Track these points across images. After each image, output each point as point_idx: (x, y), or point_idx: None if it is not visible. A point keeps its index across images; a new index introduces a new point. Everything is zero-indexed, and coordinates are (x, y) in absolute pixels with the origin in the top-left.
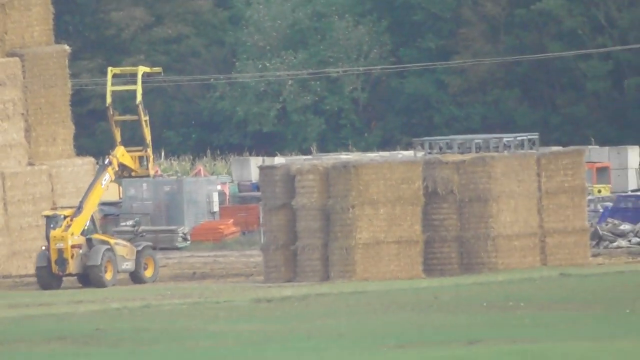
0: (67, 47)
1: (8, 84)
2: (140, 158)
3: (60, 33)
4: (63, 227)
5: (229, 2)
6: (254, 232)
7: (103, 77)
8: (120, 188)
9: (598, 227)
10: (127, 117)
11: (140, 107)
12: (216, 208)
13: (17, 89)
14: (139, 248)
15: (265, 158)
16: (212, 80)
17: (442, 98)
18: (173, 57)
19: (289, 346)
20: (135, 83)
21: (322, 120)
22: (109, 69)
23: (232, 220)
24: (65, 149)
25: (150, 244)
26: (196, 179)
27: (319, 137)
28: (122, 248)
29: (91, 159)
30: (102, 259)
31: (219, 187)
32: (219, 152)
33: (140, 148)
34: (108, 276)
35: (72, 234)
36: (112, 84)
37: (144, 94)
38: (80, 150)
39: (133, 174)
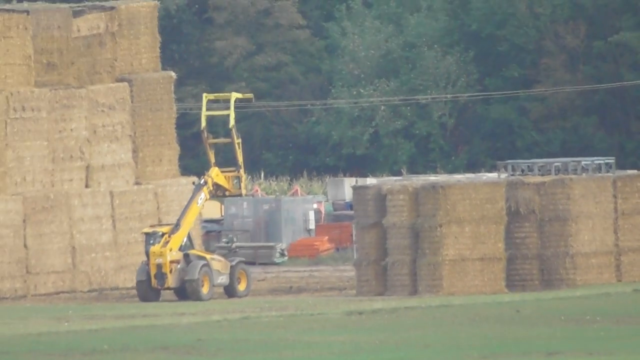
0: (173, 74)
1: (117, 107)
2: (234, 178)
3: (167, 60)
4: (162, 243)
5: (326, 32)
6: (348, 248)
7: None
8: (222, 206)
9: None
10: (221, 140)
11: (233, 131)
12: (312, 226)
13: (126, 112)
14: (233, 263)
15: (358, 179)
16: (309, 105)
17: (524, 124)
18: (272, 84)
19: (378, 356)
20: (229, 108)
21: (412, 144)
22: (204, 95)
23: (327, 237)
24: (171, 169)
25: (243, 259)
26: (293, 198)
27: (409, 160)
28: (218, 263)
29: (195, 179)
30: (199, 273)
31: (315, 206)
32: (315, 173)
33: (233, 169)
34: (205, 289)
35: (171, 250)
36: (208, 109)
37: (244, 119)
38: (185, 170)
39: (227, 193)
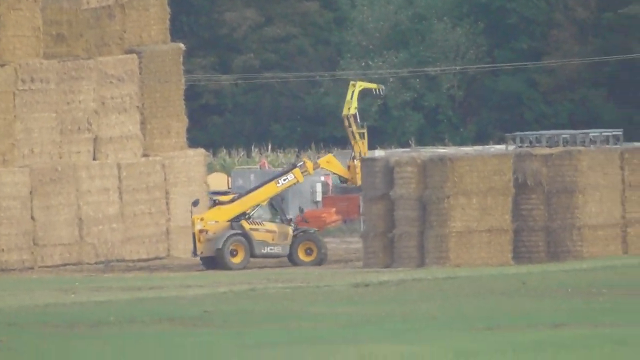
0: (182, 45)
1: (126, 79)
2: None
3: (176, 32)
4: (206, 212)
5: (335, 4)
6: (355, 220)
7: (215, 73)
8: (229, 178)
9: None
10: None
11: (351, 120)
12: (319, 198)
13: (134, 84)
14: (296, 233)
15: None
16: (317, 77)
17: (533, 96)
18: (281, 55)
19: (385, 327)
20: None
21: (420, 116)
22: (351, 83)
23: (334, 209)
24: (179, 141)
25: (313, 229)
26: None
27: (418, 132)
28: (265, 234)
29: (202, 151)
30: (225, 243)
31: (322, 178)
32: (322, 145)
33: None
34: (235, 259)
35: (202, 219)
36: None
37: (253, 90)
38: (193, 142)
39: (347, 182)
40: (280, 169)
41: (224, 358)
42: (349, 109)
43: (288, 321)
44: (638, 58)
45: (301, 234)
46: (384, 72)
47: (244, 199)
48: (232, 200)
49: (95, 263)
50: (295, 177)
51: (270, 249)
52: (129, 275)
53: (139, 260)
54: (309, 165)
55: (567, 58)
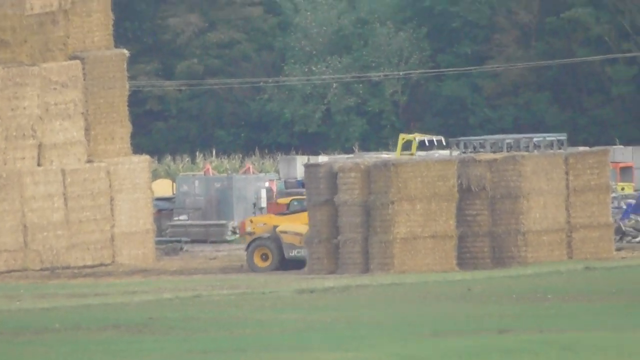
0: (125, 51)
1: (70, 85)
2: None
3: (120, 38)
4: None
5: (279, 9)
6: None
7: (159, 79)
8: (174, 184)
9: (621, 223)
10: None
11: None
12: (264, 204)
13: (78, 90)
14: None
15: (310, 157)
16: (261, 83)
17: (477, 100)
18: (225, 61)
19: (330, 334)
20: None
21: (364, 121)
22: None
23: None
24: (123, 147)
25: (266, 234)
26: (245, 176)
27: (361, 137)
28: (293, 237)
29: (147, 157)
30: (248, 247)
31: (266, 184)
32: (267, 151)
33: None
34: (260, 263)
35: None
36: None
37: (197, 96)
38: (137, 148)
39: None
40: (224, 174)
41: None
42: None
43: (233, 328)
44: (581, 62)
45: (257, 239)
46: (327, 77)
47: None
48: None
49: (40, 270)
50: None
51: (297, 252)
52: (74, 282)
53: (84, 267)
54: None
55: (510, 62)
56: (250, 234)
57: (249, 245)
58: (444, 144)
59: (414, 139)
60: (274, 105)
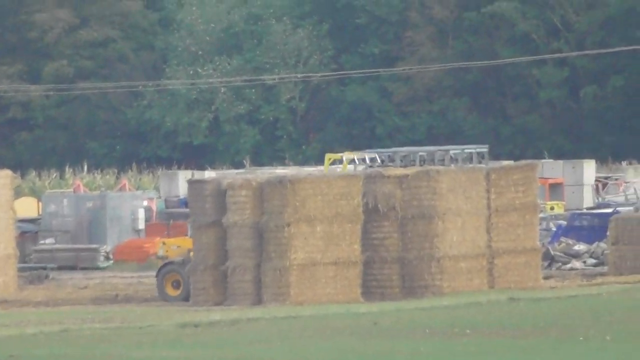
0: None
1: None
2: None
3: None
4: None
5: (160, 3)
6: None
7: (24, 83)
8: (40, 203)
9: (550, 247)
10: None
11: None
12: (142, 225)
13: None
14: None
15: (195, 172)
16: (140, 87)
17: (386, 107)
18: (98, 62)
19: None
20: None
21: (256, 131)
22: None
23: (158, 239)
24: None
25: (178, 259)
26: (120, 194)
27: (253, 150)
28: None
29: (9, 172)
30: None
31: (145, 203)
32: (145, 165)
33: None
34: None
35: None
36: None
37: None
38: None
39: None
40: (97, 192)
41: None
42: None
43: None
44: (504, 63)
45: (168, 264)
46: (215, 81)
47: None
48: None
49: None
50: None
51: None
52: None
53: None
54: None
55: (424, 64)
56: (162, 258)
57: (159, 271)
58: (380, 161)
59: (342, 157)
60: (154, 112)
